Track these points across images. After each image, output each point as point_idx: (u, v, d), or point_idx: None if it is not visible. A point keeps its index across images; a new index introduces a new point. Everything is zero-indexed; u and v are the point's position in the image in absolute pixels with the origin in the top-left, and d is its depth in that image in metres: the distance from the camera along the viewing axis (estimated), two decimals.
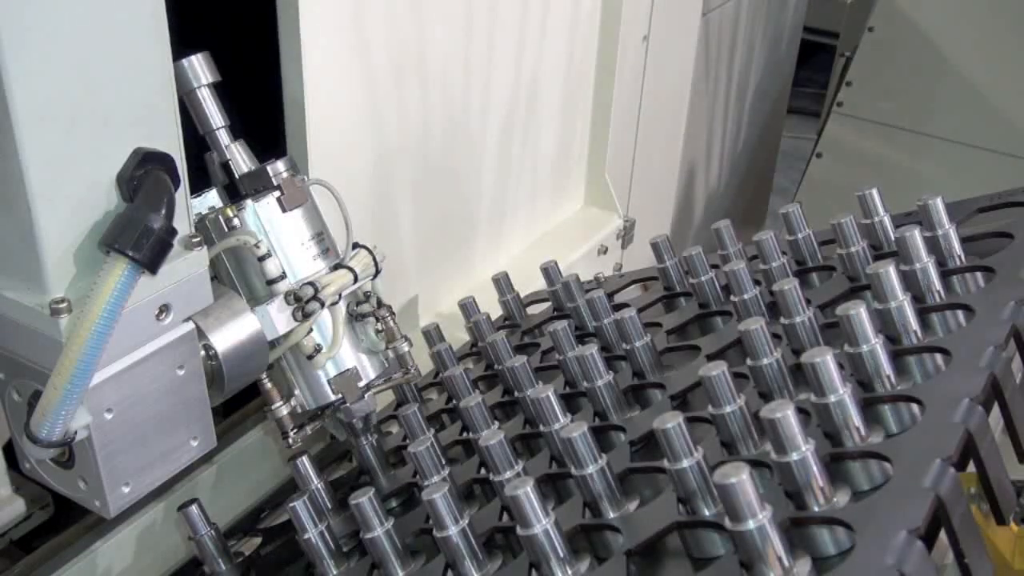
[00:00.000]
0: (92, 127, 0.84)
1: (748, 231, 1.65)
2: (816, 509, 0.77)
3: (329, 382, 1.18)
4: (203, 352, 1.00)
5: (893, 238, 1.16)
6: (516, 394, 1.22)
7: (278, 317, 1.09)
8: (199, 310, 0.98)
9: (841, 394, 0.82)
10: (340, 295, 1.15)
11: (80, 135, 0.84)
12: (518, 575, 0.89)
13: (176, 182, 0.90)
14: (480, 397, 1.14)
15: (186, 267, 0.94)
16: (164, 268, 0.89)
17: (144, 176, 0.87)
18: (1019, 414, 0.87)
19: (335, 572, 1.07)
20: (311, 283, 1.11)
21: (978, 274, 1.07)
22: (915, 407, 0.86)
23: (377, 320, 1.20)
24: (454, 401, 1.26)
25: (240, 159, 1.14)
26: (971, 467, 0.80)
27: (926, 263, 1.02)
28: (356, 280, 1.16)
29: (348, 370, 1.19)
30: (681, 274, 1.41)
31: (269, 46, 1.24)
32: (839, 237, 1.18)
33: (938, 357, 0.93)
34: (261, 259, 1.08)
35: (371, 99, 1.38)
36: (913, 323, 0.96)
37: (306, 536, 1.05)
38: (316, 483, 1.16)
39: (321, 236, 1.16)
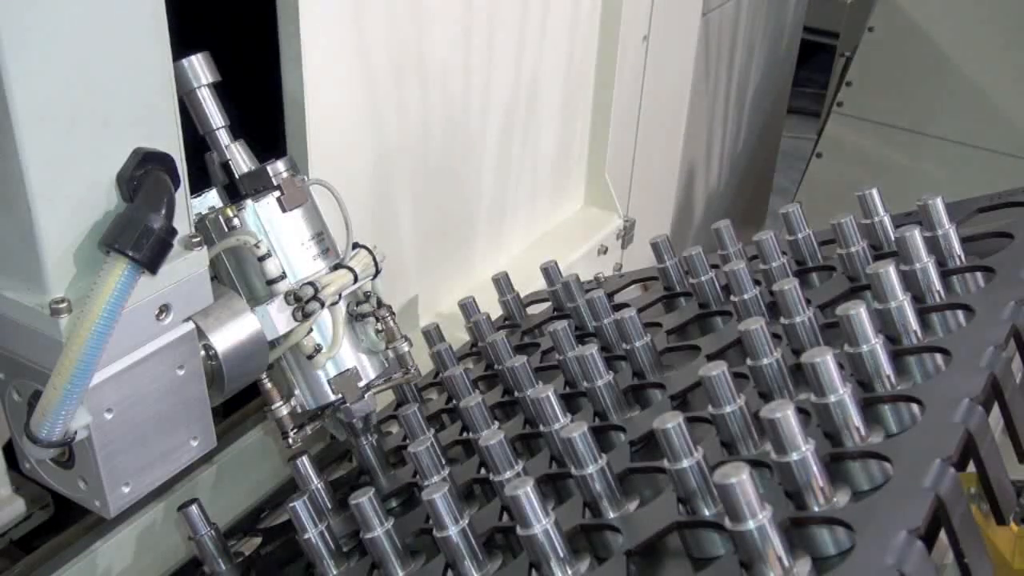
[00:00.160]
0: (92, 127, 0.84)
1: (748, 231, 1.65)
2: (816, 509, 0.77)
3: (329, 382, 1.18)
4: (203, 352, 1.00)
5: (893, 238, 1.16)
6: (516, 394, 1.22)
7: (278, 317, 1.09)
8: (199, 310, 0.98)
9: (841, 394, 0.82)
10: (340, 295, 1.15)
11: (80, 135, 0.84)
12: (518, 575, 0.89)
13: (176, 182, 0.90)
14: (480, 397, 1.14)
15: (186, 267, 0.94)
16: (164, 268, 0.89)
17: (144, 176, 0.87)
18: (1019, 414, 0.87)
19: (335, 572, 1.07)
20: (311, 283, 1.11)
21: (978, 274, 1.07)
22: (915, 407, 0.86)
23: (377, 320, 1.20)
24: (454, 401, 1.26)
25: (240, 159, 1.14)
26: (971, 467, 0.80)
27: (926, 263, 1.02)
28: (356, 280, 1.16)
29: (348, 370, 1.19)
30: (681, 274, 1.41)
31: (269, 46, 1.24)
32: (839, 237, 1.18)
33: (938, 357, 0.93)
34: (261, 259, 1.08)
35: (371, 99, 1.38)
36: (913, 323, 0.96)
37: (306, 536, 1.05)
38: (316, 483, 1.16)
39: (321, 236, 1.16)
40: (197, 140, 1.11)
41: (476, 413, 1.13)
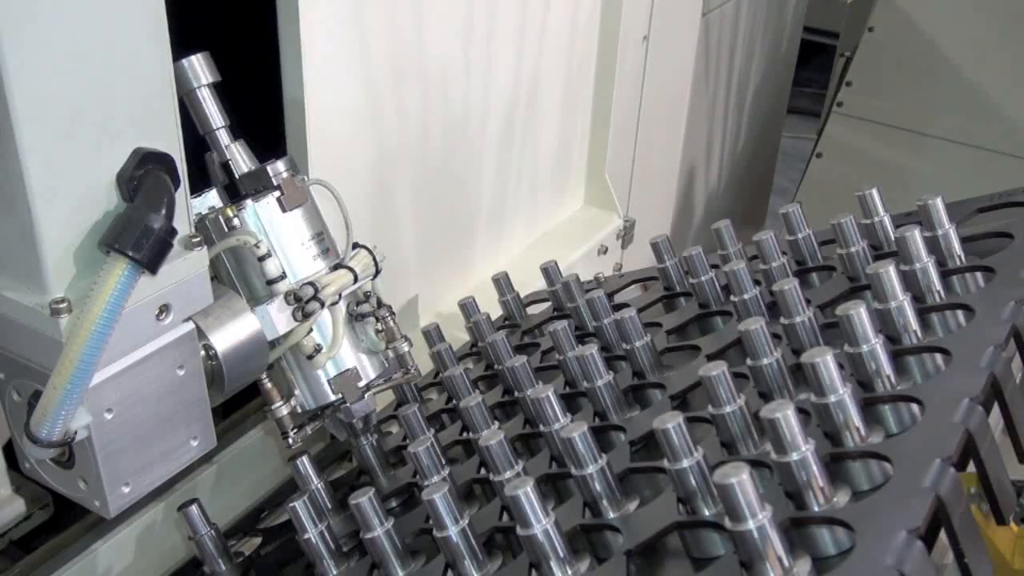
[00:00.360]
0: (92, 127, 0.84)
1: (748, 231, 1.65)
2: (816, 509, 0.77)
3: (329, 382, 1.18)
4: (203, 352, 1.00)
5: (893, 238, 1.16)
6: (516, 394, 1.22)
7: (278, 317, 1.09)
8: (199, 310, 0.98)
9: (841, 394, 0.82)
10: (340, 295, 1.15)
11: (80, 135, 0.84)
12: (518, 575, 0.89)
13: (176, 182, 0.90)
14: (480, 397, 1.14)
15: (186, 267, 0.94)
16: (164, 268, 0.89)
17: (144, 176, 0.87)
18: (1019, 414, 0.87)
19: (335, 572, 1.07)
20: (311, 283, 1.11)
21: (978, 274, 1.07)
22: (915, 407, 0.86)
23: (377, 320, 1.20)
24: (454, 401, 1.26)
25: (240, 159, 1.14)
26: (971, 467, 0.80)
27: (926, 263, 1.02)
28: (356, 280, 1.16)
29: (348, 370, 1.19)
30: (681, 274, 1.41)
31: (269, 46, 1.24)
32: (839, 237, 1.17)
33: (938, 357, 0.93)
34: (261, 259, 1.08)
35: (371, 99, 1.38)
36: (913, 323, 0.96)
37: (306, 536, 1.05)
38: (316, 483, 1.16)
39: (321, 236, 1.16)
40: (197, 140, 1.11)
41: (476, 413, 1.13)
